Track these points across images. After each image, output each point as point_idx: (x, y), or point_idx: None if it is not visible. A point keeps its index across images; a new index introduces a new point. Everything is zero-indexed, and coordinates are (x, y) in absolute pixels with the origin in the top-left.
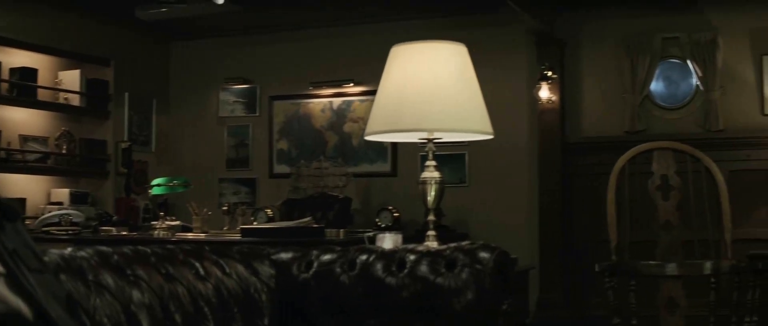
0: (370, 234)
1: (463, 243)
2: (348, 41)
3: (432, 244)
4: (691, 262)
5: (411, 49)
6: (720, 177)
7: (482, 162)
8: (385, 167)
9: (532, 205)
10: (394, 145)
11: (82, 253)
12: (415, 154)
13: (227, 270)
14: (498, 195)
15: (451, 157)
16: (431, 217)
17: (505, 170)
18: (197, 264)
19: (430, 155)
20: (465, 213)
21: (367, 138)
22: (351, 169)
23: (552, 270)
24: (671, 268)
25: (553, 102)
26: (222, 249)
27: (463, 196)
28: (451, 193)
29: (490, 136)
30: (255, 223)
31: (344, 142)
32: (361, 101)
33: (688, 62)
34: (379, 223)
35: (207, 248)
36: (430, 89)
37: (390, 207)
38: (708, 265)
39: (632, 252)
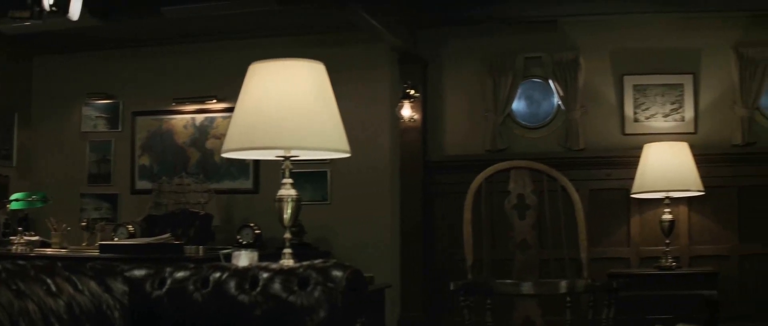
0: (226, 251)
1: (316, 261)
2: (211, 57)
3: (287, 262)
4: (546, 281)
5: (269, 67)
6: (576, 196)
7: (344, 179)
8: (248, 184)
9: (394, 223)
10: (257, 161)
11: None
12: (278, 171)
13: (79, 287)
14: (360, 213)
15: (313, 174)
16: (287, 235)
17: (368, 188)
18: (49, 281)
19: (287, 173)
20: (327, 231)
21: (224, 155)
22: (213, 186)
23: (413, 288)
24: (527, 287)
25: (415, 120)
26: (75, 265)
27: (325, 214)
28: (313, 211)
29: (347, 154)
30: (116, 239)
31: (206, 158)
32: (224, 118)
33: (550, 82)
34: (240, 240)
35: (59, 264)
36: (286, 107)
37: (251, 224)
38: (563, 284)
39: (492, 271)
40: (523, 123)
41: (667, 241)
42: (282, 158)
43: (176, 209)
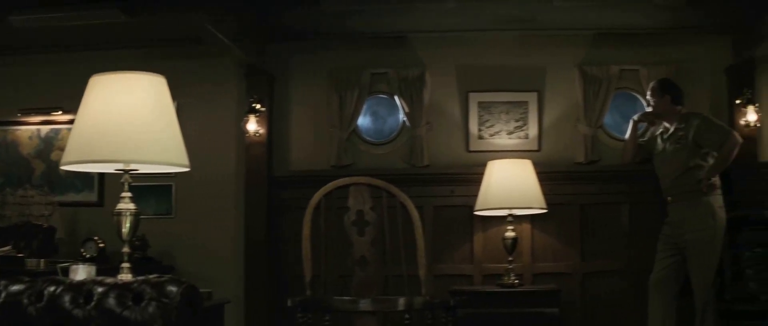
0: (64, 265)
1: (151, 276)
2: (58, 68)
3: (125, 277)
4: (385, 298)
5: (109, 80)
6: (415, 213)
7: (189, 193)
8: (92, 197)
9: (238, 238)
10: (102, 174)
11: None
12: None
13: None
14: (205, 228)
15: (157, 187)
16: (126, 249)
17: (213, 202)
18: None
19: (126, 186)
20: (171, 245)
21: (63, 167)
22: (57, 198)
23: (257, 304)
24: (365, 304)
25: (260, 135)
26: None
27: (169, 228)
28: (157, 224)
29: (186, 169)
30: None
31: (52, 170)
32: (70, 129)
33: (396, 98)
34: (84, 254)
35: None
36: (125, 120)
37: (95, 238)
38: (402, 301)
39: (333, 287)
40: (369, 139)
41: (510, 259)
42: (121, 171)
43: (20, 221)
